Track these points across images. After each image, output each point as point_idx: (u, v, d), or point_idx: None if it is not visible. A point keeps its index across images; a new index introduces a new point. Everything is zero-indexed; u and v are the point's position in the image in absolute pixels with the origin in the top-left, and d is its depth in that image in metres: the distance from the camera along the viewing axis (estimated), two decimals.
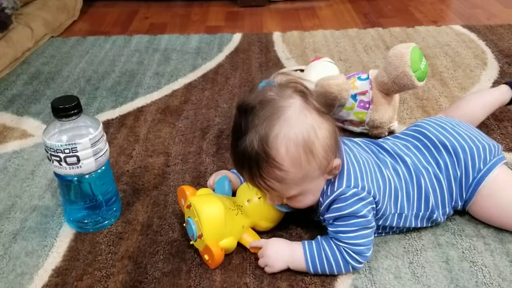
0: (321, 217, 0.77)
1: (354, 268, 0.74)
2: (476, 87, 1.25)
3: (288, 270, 0.76)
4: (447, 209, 0.80)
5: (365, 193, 0.72)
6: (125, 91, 1.30)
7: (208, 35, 1.65)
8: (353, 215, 0.72)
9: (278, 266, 0.75)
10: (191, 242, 0.77)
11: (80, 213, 0.84)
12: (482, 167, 0.79)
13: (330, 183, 0.74)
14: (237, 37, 1.61)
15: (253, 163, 0.69)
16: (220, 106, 1.22)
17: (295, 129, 0.67)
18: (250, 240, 0.78)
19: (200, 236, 0.74)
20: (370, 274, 0.75)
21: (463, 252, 0.77)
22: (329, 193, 0.73)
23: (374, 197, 0.73)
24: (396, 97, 1.06)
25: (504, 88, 1.02)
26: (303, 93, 0.70)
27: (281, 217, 0.81)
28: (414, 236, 0.81)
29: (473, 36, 1.54)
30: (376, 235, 0.79)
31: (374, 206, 0.74)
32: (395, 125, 1.07)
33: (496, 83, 1.25)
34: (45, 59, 1.51)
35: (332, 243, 0.74)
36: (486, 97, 1.02)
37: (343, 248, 0.72)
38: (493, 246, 0.77)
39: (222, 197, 0.79)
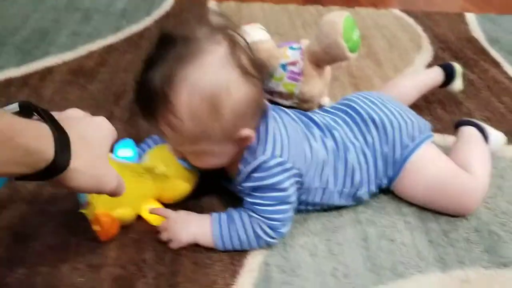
0: (239, 187, 0.69)
1: (267, 244, 0.67)
2: (410, 69, 1.23)
3: (193, 246, 0.68)
4: (372, 187, 0.76)
5: (290, 164, 0.66)
6: (34, 50, 1.16)
7: None
8: (274, 188, 0.66)
9: (183, 239, 0.67)
10: (80, 210, 0.67)
11: None
12: (409, 143, 0.75)
13: (251, 150, 0.66)
14: (169, 1, 1.50)
15: (149, 100, 0.60)
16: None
17: (206, 79, 0.59)
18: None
19: (89, 204, 0.64)
20: (284, 250, 0.68)
21: (382, 230, 0.72)
22: (250, 160, 0.66)
23: (300, 169, 0.67)
24: (328, 70, 1.01)
25: (437, 70, 1.00)
26: (234, 43, 0.61)
27: (190, 189, 0.72)
28: (334, 213, 0.75)
29: (411, 21, 1.52)
30: (296, 211, 0.73)
31: (299, 179, 0.68)
32: (326, 101, 1.01)
33: (429, 66, 1.23)
34: None
35: (244, 215, 0.67)
36: (419, 78, 1.01)
37: (257, 222, 0.66)
38: (414, 224, 0.73)
39: (121, 161, 0.70)
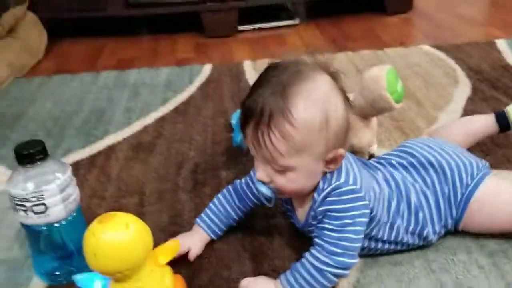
0: (312, 215, 0.72)
1: (334, 276, 0.68)
2: (451, 105, 1.25)
3: None
4: (437, 228, 0.78)
5: (362, 194, 0.70)
6: (94, 130, 1.25)
7: (177, 67, 1.62)
8: (343, 214, 0.69)
9: None
10: None
11: (51, 264, 0.78)
12: (470, 182, 0.78)
13: (326, 179, 0.71)
14: (207, 68, 1.59)
15: (267, 111, 0.65)
16: (193, 139, 1.18)
17: (319, 92, 0.66)
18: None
19: None
20: None
21: (457, 278, 0.74)
22: (324, 188, 0.70)
23: (370, 201, 0.71)
24: (374, 120, 1.05)
25: (490, 120, 0.96)
26: (333, 74, 0.69)
27: None
28: (406, 264, 0.77)
29: (442, 55, 1.55)
30: (366, 251, 0.76)
31: (369, 212, 0.71)
32: (375, 148, 1.05)
33: (470, 100, 1.26)
34: (9, 101, 1.45)
35: (303, 259, 0.70)
36: (469, 127, 0.98)
37: (318, 257, 0.68)
38: (487, 269, 0.74)
39: None
